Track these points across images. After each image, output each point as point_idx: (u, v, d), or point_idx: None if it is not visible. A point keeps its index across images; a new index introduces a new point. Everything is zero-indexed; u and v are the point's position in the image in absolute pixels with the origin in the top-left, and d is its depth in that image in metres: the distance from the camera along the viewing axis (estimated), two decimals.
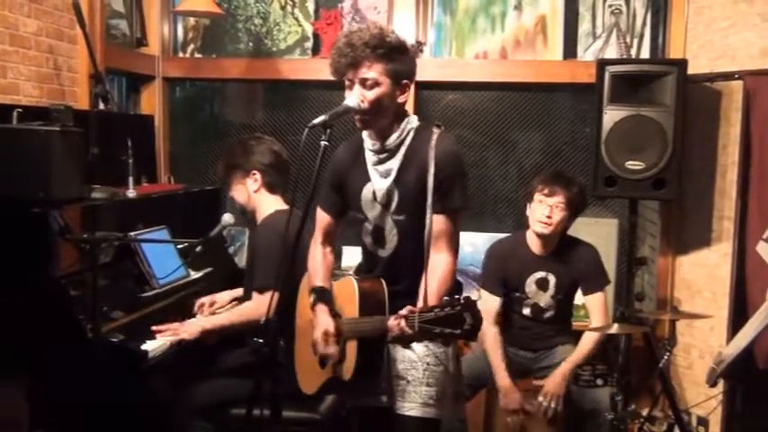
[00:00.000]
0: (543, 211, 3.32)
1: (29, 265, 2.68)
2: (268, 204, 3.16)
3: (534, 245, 3.44)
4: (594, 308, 3.42)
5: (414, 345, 2.38)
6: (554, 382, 3.26)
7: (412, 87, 2.44)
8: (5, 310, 2.66)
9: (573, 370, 3.25)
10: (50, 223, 2.66)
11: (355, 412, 2.88)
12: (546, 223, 3.32)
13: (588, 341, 3.34)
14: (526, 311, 3.46)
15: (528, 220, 3.43)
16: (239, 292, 3.37)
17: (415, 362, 2.40)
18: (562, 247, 3.43)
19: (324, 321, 2.44)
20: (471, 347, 3.55)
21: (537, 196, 3.36)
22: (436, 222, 2.33)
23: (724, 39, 3.70)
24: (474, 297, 2.09)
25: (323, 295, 2.51)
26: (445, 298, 2.10)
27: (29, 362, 2.69)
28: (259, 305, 2.88)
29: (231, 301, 3.41)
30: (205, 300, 3.36)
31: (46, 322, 2.66)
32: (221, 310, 3.34)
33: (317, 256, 2.62)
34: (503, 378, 3.31)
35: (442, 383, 2.41)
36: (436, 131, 2.38)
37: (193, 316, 3.29)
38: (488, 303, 3.42)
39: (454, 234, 2.40)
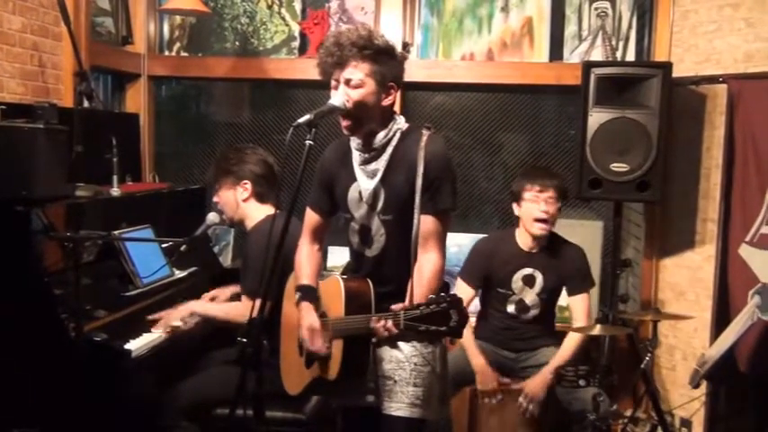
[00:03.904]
0: (540, 207, 3.33)
1: (11, 264, 2.66)
2: (260, 213, 3.17)
3: (523, 242, 3.45)
4: (578, 309, 3.44)
5: (401, 345, 2.38)
6: (534, 384, 3.29)
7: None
8: None
9: (555, 374, 3.27)
10: (33, 221, 2.64)
11: (341, 412, 2.87)
12: (545, 220, 3.34)
13: (570, 344, 3.36)
14: (510, 309, 3.46)
15: (519, 221, 3.44)
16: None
17: (403, 362, 2.39)
18: (550, 245, 3.45)
19: (309, 318, 2.44)
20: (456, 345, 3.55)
21: (528, 195, 3.37)
22: (425, 223, 2.33)
23: (709, 42, 3.72)
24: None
25: (308, 293, 2.51)
26: (431, 296, 2.10)
27: (10, 360, 2.67)
28: (248, 309, 2.87)
29: (231, 297, 3.45)
30: (208, 295, 3.44)
31: (28, 321, 2.64)
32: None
33: (304, 254, 2.61)
34: (476, 358, 3.35)
35: (428, 384, 2.40)
36: (426, 133, 2.38)
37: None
38: (460, 293, 3.41)
39: (442, 235, 2.40)
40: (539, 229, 3.36)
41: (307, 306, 2.47)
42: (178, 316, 3.03)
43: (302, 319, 2.46)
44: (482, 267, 3.49)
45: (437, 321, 2.05)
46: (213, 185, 3.30)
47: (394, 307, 2.16)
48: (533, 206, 3.35)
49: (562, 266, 3.43)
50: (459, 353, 3.45)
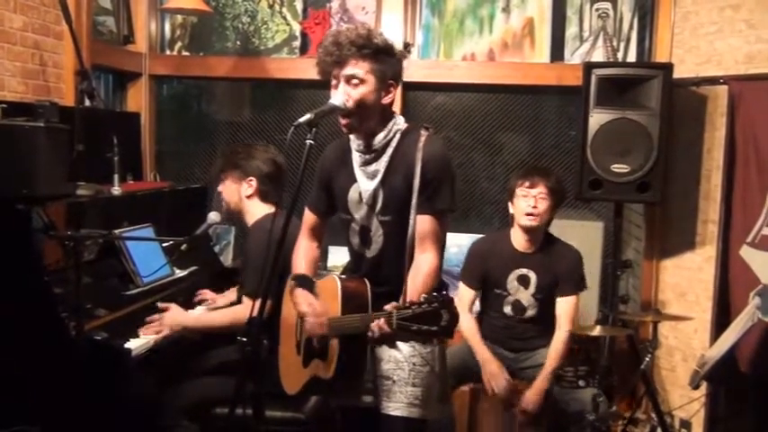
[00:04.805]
0: (528, 202, 3.35)
1: (11, 262, 2.66)
2: (260, 211, 3.16)
3: (518, 242, 3.45)
4: (564, 311, 3.39)
5: (400, 345, 2.38)
6: (530, 398, 3.26)
7: (398, 89, 2.43)
8: None
9: (550, 381, 3.26)
10: (34, 220, 2.64)
11: (340, 412, 2.87)
12: (533, 214, 3.34)
13: (557, 348, 3.33)
14: (507, 309, 3.46)
15: (512, 218, 3.46)
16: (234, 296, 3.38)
17: (402, 362, 2.39)
18: (545, 245, 3.45)
19: (306, 297, 2.43)
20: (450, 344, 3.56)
21: (519, 191, 3.40)
22: (422, 223, 2.33)
23: (710, 44, 3.72)
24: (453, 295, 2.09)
25: (303, 281, 2.50)
26: (423, 295, 2.09)
27: (10, 359, 2.67)
28: (248, 309, 2.87)
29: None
30: (208, 296, 3.45)
31: (28, 319, 2.64)
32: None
33: (301, 249, 2.61)
34: (487, 359, 3.35)
35: (428, 384, 2.40)
36: (425, 133, 2.38)
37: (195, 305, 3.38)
38: (463, 294, 3.50)
39: (440, 235, 2.39)
40: (527, 219, 3.36)
41: (301, 289, 2.46)
42: (168, 329, 2.96)
43: (298, 297, 2.44)
44: (479, 268, 3.50)
45: (428, 321, 2.04)
46: (219, 175, 3.27)
47: (386, 307, 2.16)
48: (524, 201, 3.37)
49: (556, 266, 3.42)
50: (460, 347, 3.46)
